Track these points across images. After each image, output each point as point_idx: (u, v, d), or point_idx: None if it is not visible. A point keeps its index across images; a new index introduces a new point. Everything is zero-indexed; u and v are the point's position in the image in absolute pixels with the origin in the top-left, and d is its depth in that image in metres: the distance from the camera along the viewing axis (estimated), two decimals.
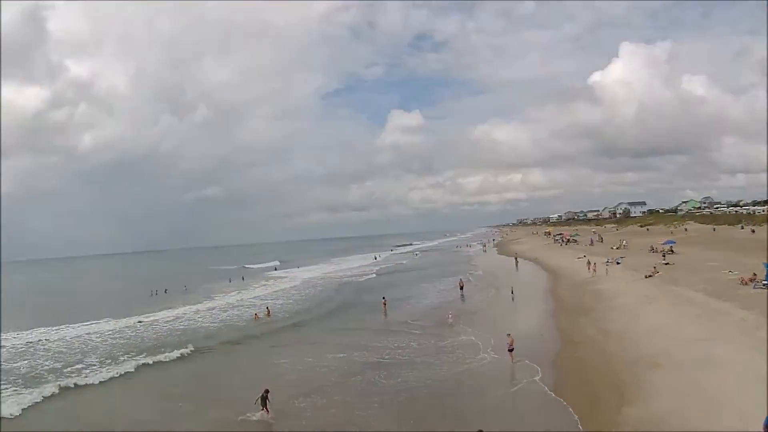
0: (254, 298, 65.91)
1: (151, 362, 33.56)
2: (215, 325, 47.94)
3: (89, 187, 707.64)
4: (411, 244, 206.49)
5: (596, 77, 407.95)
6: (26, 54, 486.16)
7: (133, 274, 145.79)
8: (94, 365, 33.53)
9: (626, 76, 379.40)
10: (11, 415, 24.45)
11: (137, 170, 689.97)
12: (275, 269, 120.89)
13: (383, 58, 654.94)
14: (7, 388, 28.66)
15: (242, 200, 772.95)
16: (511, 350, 28.01)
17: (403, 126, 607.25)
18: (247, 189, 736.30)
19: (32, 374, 32.21)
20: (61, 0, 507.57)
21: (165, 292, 78.60)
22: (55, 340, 43.27)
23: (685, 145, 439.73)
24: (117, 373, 31.09)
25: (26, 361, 35.76)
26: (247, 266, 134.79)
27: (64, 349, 39.61)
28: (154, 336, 43.38)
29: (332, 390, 25.84)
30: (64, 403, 26.59)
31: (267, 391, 22.83)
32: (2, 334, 46.08)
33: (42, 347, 40.87)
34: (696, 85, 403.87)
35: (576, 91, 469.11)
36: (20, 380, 30.62)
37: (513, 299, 49.48)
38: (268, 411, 22.51)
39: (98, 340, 42.82)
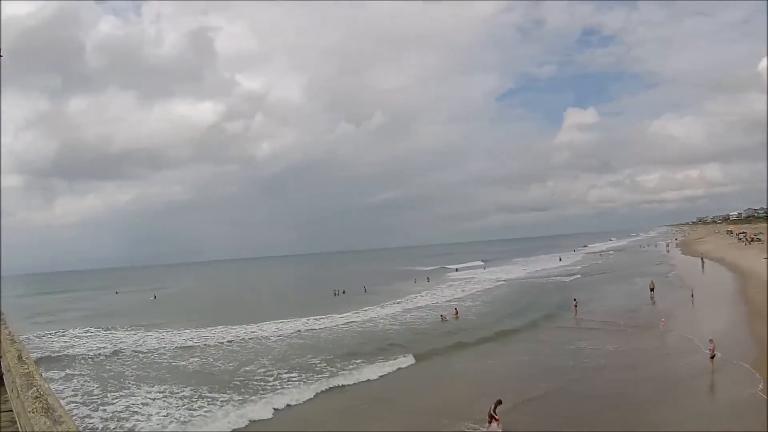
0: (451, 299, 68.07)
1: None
2: (419, 325, 50.48)
3: (267, 193, 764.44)
4: (585, 246, 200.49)
5: (765, 63, 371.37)
6: (197, 73, 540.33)
7: (324, 275, 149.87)
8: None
9: None
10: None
11: (313, 176, 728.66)
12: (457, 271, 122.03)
13: (554, 56, 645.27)
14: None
15: (419, 203, 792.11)
16: (712, 357, 27.86)
17: (578, 124, 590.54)
18: (424, 192, 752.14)
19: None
20: (226, 21, 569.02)
21: (365, 291, 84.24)
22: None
23: None
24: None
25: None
26: (447, 266, 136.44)
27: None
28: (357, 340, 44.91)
29: (554, 397, 26.09)
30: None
31: (499, 402, 21.81)
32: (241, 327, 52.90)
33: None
34: None
35: (745, 80, 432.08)
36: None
37: (692, 303, 48.84)
38: (497, 421, 21.59)
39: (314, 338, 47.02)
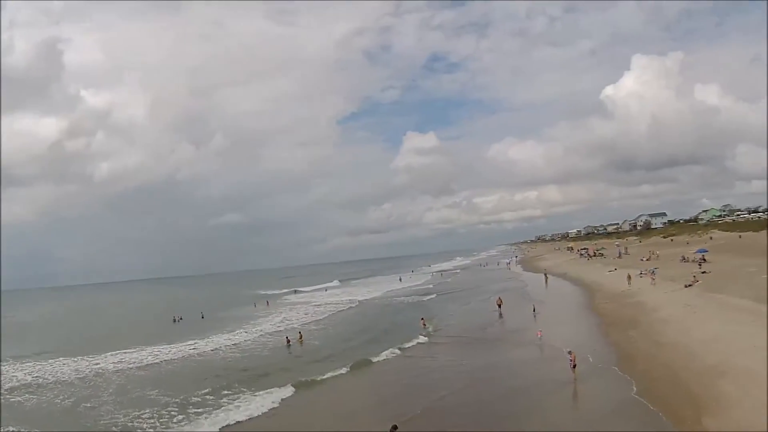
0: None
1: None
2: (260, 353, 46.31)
3: (110, 214, 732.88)
4: (429, 266, 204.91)
5: (608, 91, 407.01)
6: (44, 85, 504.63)
7: (170, 299, 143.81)
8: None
9: (638, 88, 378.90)
10: None
11: (156, 198, 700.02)
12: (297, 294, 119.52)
13: (399, 81, 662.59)
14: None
15: (264, 226, 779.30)
16: (574, 367, 28.25)
17: (417, 148, 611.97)
18: (269, 215, 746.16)
19: None
20: (79, 33, 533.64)
21: (202, 317, 78.86)
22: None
23: (700, 155, 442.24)
24: None
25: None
26: (299, 289, 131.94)
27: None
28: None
29: (426, 416, 25.00)
30: None
31: (395, 427, 20.80)
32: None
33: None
34: (709, 95, 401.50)
35: (589, 107, 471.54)
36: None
37: (534, 317, 49.55)
38: None
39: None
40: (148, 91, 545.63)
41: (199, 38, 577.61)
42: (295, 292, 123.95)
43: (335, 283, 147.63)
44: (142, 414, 28.45)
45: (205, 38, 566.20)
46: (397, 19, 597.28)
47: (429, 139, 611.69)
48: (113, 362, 45.14)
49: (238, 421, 26.42)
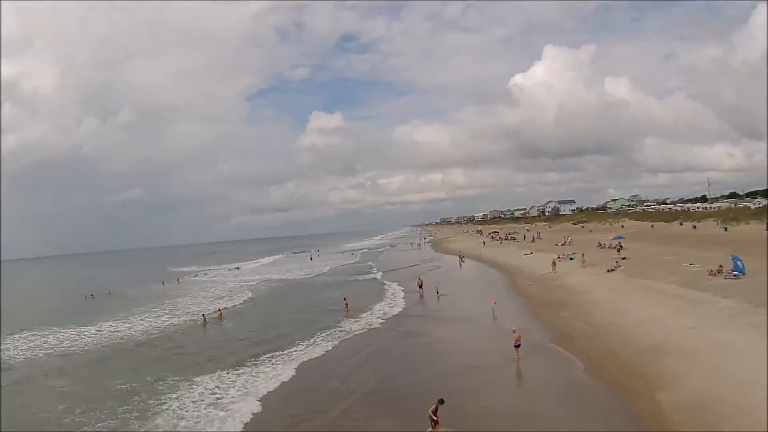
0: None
1: None
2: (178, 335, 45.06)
3: (13, 189, 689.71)
4: (339, 246, 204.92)
5: (517, 80, 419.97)
6: None
7: (80, 276, 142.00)
8: None
9: (547, 78, 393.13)
10: None
11: (61, 172, 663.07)
12: (206, 272, 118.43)
13: (310, 59, 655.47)
14: None
15: (168, 203, 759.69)
16: (517, 346, 28.51)
17: (322, 127, 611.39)
18: (174, 192, 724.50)
19: None
20: None
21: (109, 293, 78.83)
22: None
23: (607, 146, 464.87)
24: None
25: None
26: (212, 268, 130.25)
27: None
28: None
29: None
30: None
31: (441, 401, 20.03)
32: None
33: None
34: (619, 88, 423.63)
35: (497, 93, 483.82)
36: None
37: (438, 299, 51.62)
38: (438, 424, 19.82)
39: None
40: (58, 61, 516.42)
41: (110, 7, 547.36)
42: (209, 270, 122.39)
43: (250, 262, 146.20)
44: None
45: (116, 7, 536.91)
46: None
47: (335, 119, 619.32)
48: (22, 349, 42.44)
49: None
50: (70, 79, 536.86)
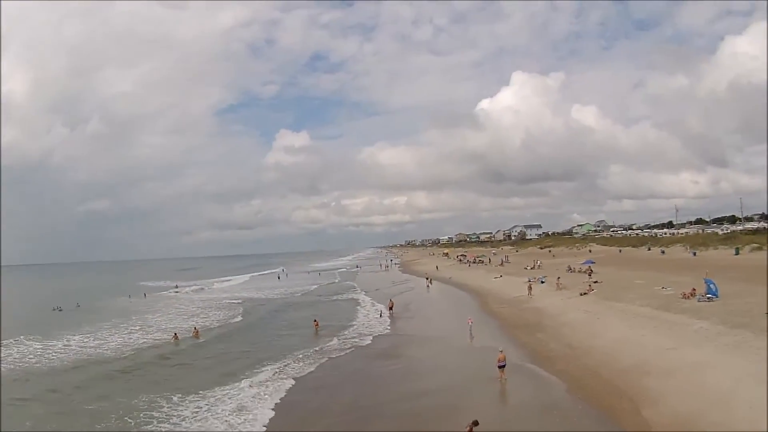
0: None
1: None
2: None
3: None
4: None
5: (484, 104, 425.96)
6: None
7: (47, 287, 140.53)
8: None
9: (515, 103, 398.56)
10: None
11: (28, 181, 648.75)
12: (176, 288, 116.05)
13: (280, 76, 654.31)
14: None
15: (134, 215, 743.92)
16: (501, 367, 28.53)
17: (287, 146, 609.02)
18: (139, 204, 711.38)
19: None
20: None
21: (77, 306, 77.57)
22: None
23: (573, 172, 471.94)
24: None
25: None
26: (180, 284, 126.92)
27: None
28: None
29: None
30: None
31: (476, 423, 19.95)
32: None
33: None
34: (586, 115, 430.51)
35: (463, 117, 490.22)
36: None
37: (412, 320, 52.07)
38: None
39: None
40: (31, 68, 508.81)
41: (85, 14, 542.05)
42: (176, 287, 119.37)
43: (219, 279, 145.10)
44: None
45: (91, 15, 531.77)
46: (285, 14, 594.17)
47: (301, 138, 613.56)
48: None
49: None
50: (42, 86, 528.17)
